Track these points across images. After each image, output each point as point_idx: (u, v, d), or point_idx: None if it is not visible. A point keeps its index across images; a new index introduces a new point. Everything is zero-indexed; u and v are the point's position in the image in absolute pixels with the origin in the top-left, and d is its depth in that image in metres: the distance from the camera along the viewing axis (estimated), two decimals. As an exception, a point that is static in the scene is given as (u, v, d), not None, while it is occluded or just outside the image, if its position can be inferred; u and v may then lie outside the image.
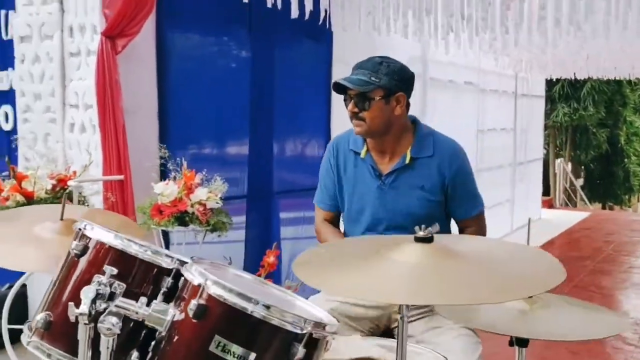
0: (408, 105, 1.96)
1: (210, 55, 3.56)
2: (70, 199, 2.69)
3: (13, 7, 3.29)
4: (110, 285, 1.26)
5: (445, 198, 1.94)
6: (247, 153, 3.63)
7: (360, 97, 1.84)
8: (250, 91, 3.59)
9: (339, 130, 4.18)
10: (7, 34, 3.38)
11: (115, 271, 1.29)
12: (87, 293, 1.21)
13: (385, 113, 1.87)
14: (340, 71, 4.21)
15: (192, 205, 2.62)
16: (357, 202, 1.97)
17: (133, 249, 1.33)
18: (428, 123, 4.70)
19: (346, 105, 1.89)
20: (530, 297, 1.25)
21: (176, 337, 1.15)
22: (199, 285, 1.13)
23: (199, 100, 3.40)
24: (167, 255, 1.33)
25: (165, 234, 2.85)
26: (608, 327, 1.28)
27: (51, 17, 3.11)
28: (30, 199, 2.55)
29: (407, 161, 1.91)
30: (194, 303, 1.12)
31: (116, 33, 2.89)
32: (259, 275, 2.78)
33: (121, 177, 2.91)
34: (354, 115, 1.86)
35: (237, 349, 1.09)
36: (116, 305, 1.17)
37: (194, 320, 1.11)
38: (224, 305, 1.11)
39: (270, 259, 2.76)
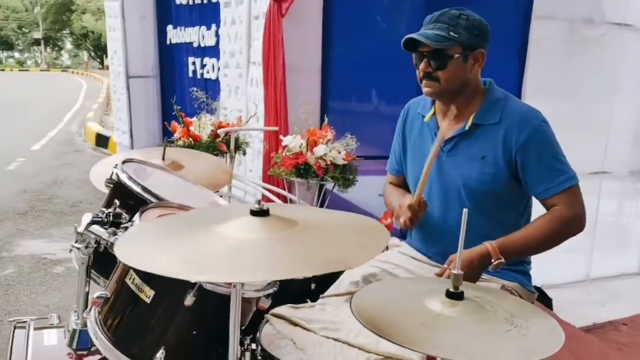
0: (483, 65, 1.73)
1: (379, 15, 3.56)
2: (228, 144, 3.15)
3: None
4: (112, 215, 1.56)
5: (517, 173, 1.66)
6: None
7: (435, 55, 1.65)
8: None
9: (533, 98, 3.77)
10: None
11: (117, 203, 1.58)
12: (85, 218, 1.53)
13: (462, 72, 1.67)
14: (543, 28, 3.71)
15: (319, 159, 2.80)
16: (417, 170, 1.81)
17: (127, 183, 1.58)
18: None
19: (416, 65, 1.71)
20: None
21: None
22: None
23: (364, 59, 3.47)
24: (149, 192, 1.55)
25: (321, 186, 3.10)
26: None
27: (243, -16, 3.56)
28: (196, 141, 3.08)
29: (468, 127, 1.69)
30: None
31: (281, -4, 3.17)
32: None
33: (276, 128, 3.24)
34: (427, 75, 1.68)
35: (140, 282, 1.27)
36: (88, 230, 1.45)
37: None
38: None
39: (387, 220, 2.77)
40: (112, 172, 1.68)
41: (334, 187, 2.95)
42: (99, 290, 1.36)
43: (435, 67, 1.66)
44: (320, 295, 1.80)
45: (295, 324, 1.54)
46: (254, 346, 1.37)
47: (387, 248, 1.99)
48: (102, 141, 8.40)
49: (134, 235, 1.22)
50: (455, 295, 1.11)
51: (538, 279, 3.42)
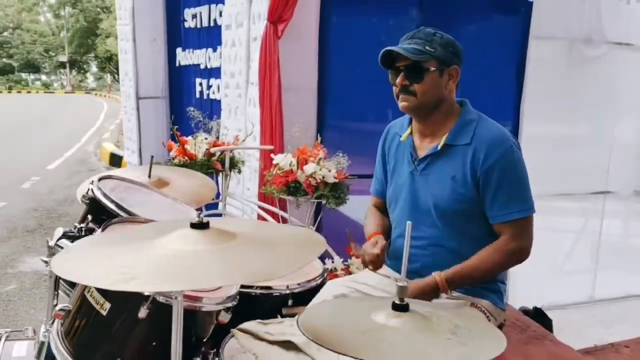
0: (458, 83, 1.76)
1: (375, 35, 3.60)
2: (223, 162, 3.20)
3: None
4: (84, 230, 1.61)
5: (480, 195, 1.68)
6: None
7: (412, 68, 1.68)
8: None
9: (531, 118, 3.76)
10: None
11: (90, 217, 1.62)
12: (57, 232, 1.57)
13: (438, 87, 1.71)
14: (541, 48, 3.72)
15: (309, 177, 2.82)
16: (394, 190, 1.86)
17: (103, 200, 1.63)
18: None
19: (392, 80, 1.74)
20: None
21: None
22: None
23: (360, 81, 3.51)
24: (121, 207, 1.59)
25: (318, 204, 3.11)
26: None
27: (242, 6, 3.64)
28: (192, 160, 3.13)
29: (440, 147, 1.72)
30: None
31: (276, 18, 3.23)
32: (349, 251, 2.85)
33: (271, 147, 3.27)
34: (403, 89, 1.71)
35: (97, 295, 1.29)
36: (57, 244, 1.49)
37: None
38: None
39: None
40: (88, 189, 1.72)
41: (324, 204, 2.97)
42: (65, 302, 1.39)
43: (412, 80, 1.69)
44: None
45: (261, 339, 1.55)
46: (217, 360, 1.39)
47: (357, 268, 2.00)
48: (115, 161, 8.56)
49: (74, 249, 1.25)
50: (400, 307, 1.12)
51: (540, 299, 3.38)
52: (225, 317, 1.41)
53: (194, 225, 1.07)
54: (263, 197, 3.29)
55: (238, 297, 1.46)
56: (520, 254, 1.68)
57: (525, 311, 2.97)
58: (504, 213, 1.65)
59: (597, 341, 3.36)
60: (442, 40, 1.69)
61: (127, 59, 5.79)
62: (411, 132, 1.82)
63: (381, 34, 3.67)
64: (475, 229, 1.70)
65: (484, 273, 1.68)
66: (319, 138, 3.08)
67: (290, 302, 1.98)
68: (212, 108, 4.61)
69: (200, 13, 4.85)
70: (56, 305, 1.52)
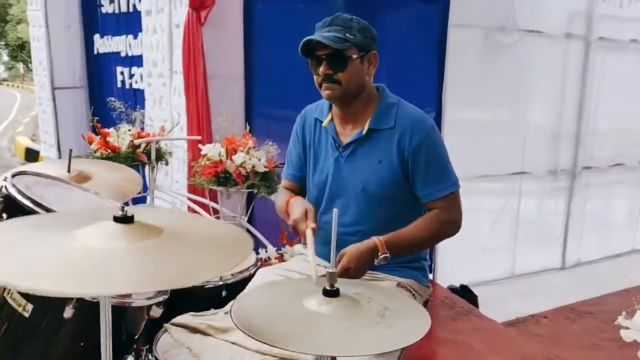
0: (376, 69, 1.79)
1: (301, 22, 3.59)
2: (148, 154, 3.10)
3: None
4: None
5: (407, 176, 1.73)
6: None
7: (334, 57, 1.67)
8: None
9: (453, 104, 3.90)
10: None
11: (5, 216, 1.53)
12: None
13: (361, 74, 1.72)
14: (460, 36, 3.85)
15: (239, 167, 2.79)
16: (318, 176, 1.86)
17: (18, 197, 1.53)
18: (593, 92, 4.09)
19: (314, 69, 1.74)
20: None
21: None
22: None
23: (287, 67, 3.49)
24: (39, 205, 1.50)
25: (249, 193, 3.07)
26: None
27: (163, -8, 3.53)
28: (115, 152, 3.01)
29: (365, 132, 1.74)
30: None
31: (199, 4, 3.15)
32: (299, 241, 2.87)
33: (198, 137, 3.21)
34: (327, 78, 1.69)
35: (18, 297, 1.23)
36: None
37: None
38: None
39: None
40: (1, 186, 1.62)
41: (255, 194, 2.96)
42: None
43: (335, 69, 1.69)
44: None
45: (195, 331, 1.53)
46: (150, 356, 1.36)
47: (291, 256, 2.01)
48: (32, 156, 8.08)
49: None
50: (331, 293, 1.14)
51: (465, 277, 3.55)
52: (156, 312, 1.38)
53: (117, 219, 1.03)
54: (193, 188, 3.23)
55: (169, 290, 1.42)
56: (452, 225, 1.75)
57: (452, 289, 3.12)
58: (435, 190, 1.72)
59: (518, 314, 3.59)
60: (359, 26, 1.70)
61: (40, 47, 5.46)
62: (331, 119, 1.83)
63: (306, 21, 3.66)
64: (401, 212, 1.75)
65: (420, 240, 1.73)
66: (248, 127, 3.06)
67: (224, 293, 1.97)
68: (136, 98, 4.44)
69: (118, -3, 4.65)
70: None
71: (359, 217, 1.74)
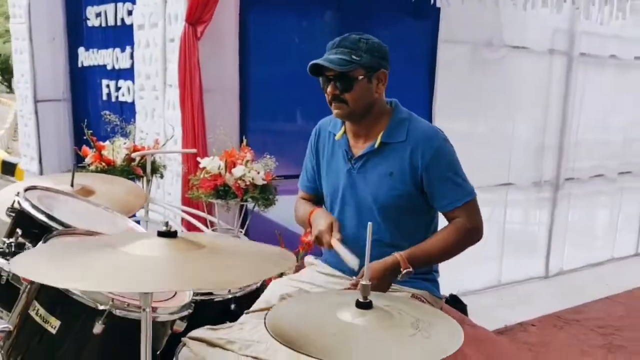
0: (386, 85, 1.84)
1: (294, 36, 3.65)
2: (144, 168, 3.09)
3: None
4: (14, 245, 1.49)
5: (422, 189, 1.78)
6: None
7: (341, 78, 1.73)
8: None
9: (442, 116, 3.99)
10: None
11: (19, 232, 1.52)
12: (-16, 250, 1.45)
13: (368, 93, 1.76)
14: (449, 51, 3.95)
15: (238, 180, 2.80)
16: (331, 187, 1.91)
17: (32, 212, 1.53)
18: (575, 105, 4.22)
19: (324, 88, 1.79)
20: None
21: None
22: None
23: (282, 81, 3.53)
24: (54, 219, 1.50)
25: (241, 206, 3.08)
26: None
27: (157, 6, 3.53)
28: (110, 166, 2.99)
29: (377, 145, 1.79)
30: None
31: (195, 19, 3.17)
32: (297, 252, 2.88)
33: (194, 150, 3.21)
34: (335, 98, 1.76)
35: (45, 313, 1.22)
36: (-12, 261, 1.38)
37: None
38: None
39: (307, 237, 2.81)
40: (14, 201, 1.61)
41: (254, 207, 2.97)
42: (2, 323, 1.30)
43: (342, 89, 1.74)
44: (245, 311, 1.81)
45: (214, 345, 1.54)
46: (170, 371, 1.36)
47: (303, 266, 2.03)
48: (8, 169, 7.91)
49: (36, 253, 1.18)
50: (364, 305, 1.16)
51: (454, 286, 3.59)
52: (180, 326, 1.38)
53: (161, 234, 1.04)
54: (188, 201, 3.22)
55: (193, 305, 1.43)
56: (475, 233, 1.79)
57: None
58: (453, 200, 1.76)
59: (507, 322, 3.66)
60: (367, 47, 1.74)
61: (23, 60, 5.39)
62: (345, 132, 1.88)
63: (300, 35, 3.72)
64: (413, 224, 1.79)
65: (444, 252, 1.77)
66: (245, 140, 3.07)
67: (232, 306, 1.97)
68: (123, 111, 4.42)
69: (105, 11, 4.62)
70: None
71: (372, 228, 1.77)
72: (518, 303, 4.01)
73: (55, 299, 1.20)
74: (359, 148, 1.84)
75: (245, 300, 2.01)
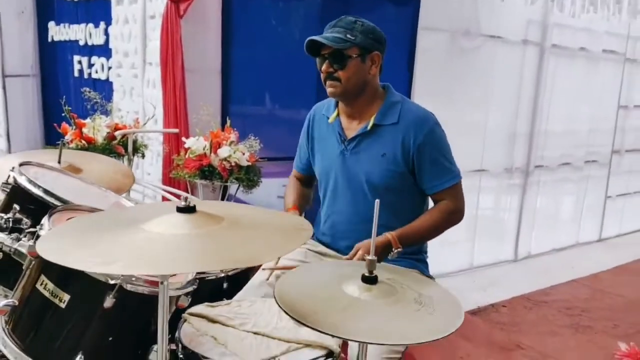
0: (381, 68, 1.88)
1: (278, 18, 3.64)
2: (126, 146, 3.05)
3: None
4: (11, 220, 1.48)
5: (413, 170, 1.84)
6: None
7: (335, 56, 1.78)
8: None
9: (420, 102, 4.04)
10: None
11: (17, 208, 1.50)
12: (-19, 225, 1.42)
13: (362, 72, 1.81)
14: (428, 38, 4.01)
15: (223, 161, 2.80)
16: (324, 167, 1.97)
17: (27, 186, 1.51)
18: (545, 96, 4.33)
19: (319, 66, 1.84)
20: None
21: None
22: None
23: (264, 62, 3.52)
24: (52, 195, 1.49)
25: (224, 187, 3.08)
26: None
27: (137, -18, 3.46)
28: (91, 144, 2.94)
29: (369, 127, 1.84)
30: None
31: (178, -3, 3.13)
32: None
33: (176, 130, 3.19)
34: (329, 76, 1.81)
35: (54, 288, 1.22)
36: (-12, 237, 1.36)
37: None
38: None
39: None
40: (9, 176, 1.58)
41: (237, 188, 2.98)
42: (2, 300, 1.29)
43: (336, 67, 1.79)
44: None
45: (214, 321, 1.56)
46: (173, 346, 1.37)
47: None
48: (-29, 146, 7.62)
49: (55, 234, 1.17)
50: (370, 280, 1.21)
51: (430, 269, 3.70)
52: (184, 302, 1.40)
53: (180, 210, 1.05)
54: (168, 181, 3.20)
55: (198, 280, 1.45)
56: (458, 214, 1.87)
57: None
58: (440, 182, 1.84)
59: (479, 303, 3.79)
60: (362, 28, 1.81)
61: (-10, 33, 5.20)
62: (338, 114, 1.92)
63: (282, 18, 3.71)
64: (404, 204, 1.85)
65: (431, 232, 1.86)
66: (229, 121, 3.07)
67: (225, 285, 1.99)
68: (96, 88, 4.33)
69: (79, -14, 4.51)
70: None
71: (364, 208, 1.82)
72: (489, 285, 4.15)
73: (65, 273, 1.20)
74: (352, 130, 1.89)
75: (238, 278, 2.03)
